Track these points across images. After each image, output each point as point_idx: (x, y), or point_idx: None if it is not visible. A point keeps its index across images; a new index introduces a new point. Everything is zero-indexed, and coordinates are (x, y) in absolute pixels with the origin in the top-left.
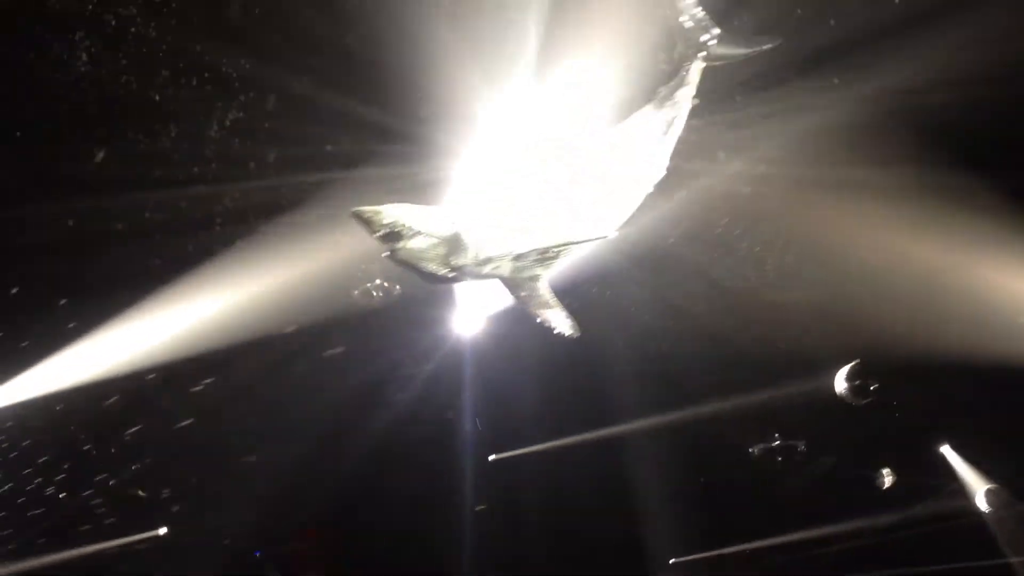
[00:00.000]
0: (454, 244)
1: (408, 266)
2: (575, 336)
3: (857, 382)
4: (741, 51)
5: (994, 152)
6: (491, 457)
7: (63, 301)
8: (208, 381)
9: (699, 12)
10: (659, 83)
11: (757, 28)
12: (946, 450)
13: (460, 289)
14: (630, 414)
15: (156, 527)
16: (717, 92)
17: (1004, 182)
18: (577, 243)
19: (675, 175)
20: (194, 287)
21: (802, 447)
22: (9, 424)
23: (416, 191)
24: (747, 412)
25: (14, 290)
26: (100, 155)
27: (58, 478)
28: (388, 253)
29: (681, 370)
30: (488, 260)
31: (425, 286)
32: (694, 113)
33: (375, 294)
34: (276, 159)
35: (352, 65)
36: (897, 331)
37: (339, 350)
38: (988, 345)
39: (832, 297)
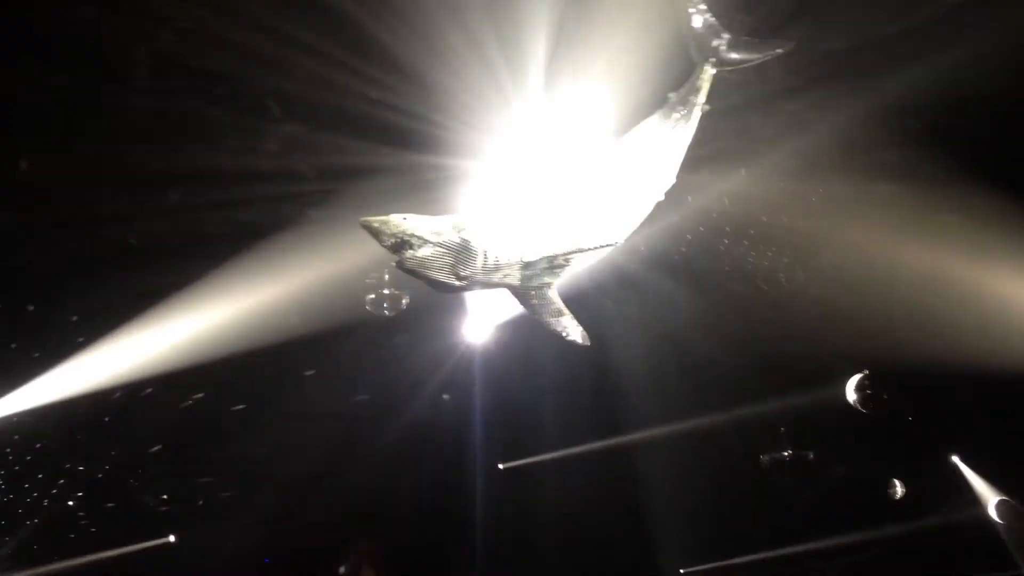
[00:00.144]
0: (462, 253)
1: (417, 275)
2: (586, 345)
3: (867, 392)
4: (752, 57)
5: (1008, 160)
6: (500, 465)
7: (74, 317)
8: (215, 389)
9: (710, 17)
10: (669, 89)
11: (768, 34)
12: (957, 461)
13: (470, 298)
14: (639, 423)
15: (164, 534)
16: (727, 99)
17: (1018, 190)
18: (586, 251)
19: (685, 182)
20: (202, 296)
21: (812, 456)
22: (17, 431)
23: (424, 200)
24: (758, 421)
25: (30, 307)
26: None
27: (67, 484)
28: (396, 262)
29: (691, 379)
30: (497, 269)
31: (434, 295)
32: (704, 119)
33: (385, 304)
34: (284, 167)
35: (363, 73)
36: (908, 341)
37: (362, 396)
38: (1000, 355)
39: (843, 306)
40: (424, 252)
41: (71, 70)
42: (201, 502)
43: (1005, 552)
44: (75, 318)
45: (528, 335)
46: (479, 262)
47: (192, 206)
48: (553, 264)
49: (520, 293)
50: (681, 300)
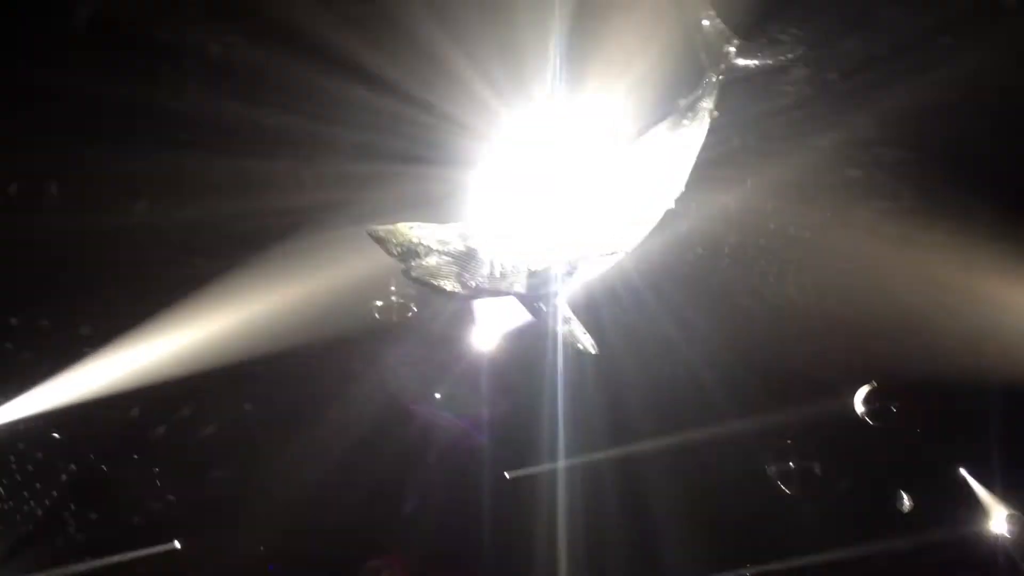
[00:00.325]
0: (469, 262)
1: (424, 284)
2: (594, 353)
3: (876, 403)
4: (762, 63)
5: (1018, 168)
6: (507, 474)
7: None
8: (222, 397)
9: (719, 24)
10: (679, 96)
11: (777, 39)
12: (965, 474)
13: (477, 306)
14: (646, 433)
15: (170, 540)
16: (737, 105)
17: None
18: (593, 259)
19: (695, 190)
20: (210, 302)
21: (818, 468)
22: (24, 436)
23: (432, 209)
24: (765, 432)
25: (45, 321)
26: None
27: (73, 490)
28: (403, 271)
29: (698, 389)
30: (503, 277)
31: (442, 303)
32: (714, 126)
33: (393, 311)
34: (293, 176)
35: (371, 82)
36: (917, 352)
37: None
38: (1010, 367)
39: (852, 317)
40: (431, 261)
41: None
42: (208, 509)
43: (1014, 566)
44: (83, 326)
45: (536, 343)
46: (486, 270)
47: (200, 213)
48: (560, 273)
49: (528, 301)
50: (689, 310)
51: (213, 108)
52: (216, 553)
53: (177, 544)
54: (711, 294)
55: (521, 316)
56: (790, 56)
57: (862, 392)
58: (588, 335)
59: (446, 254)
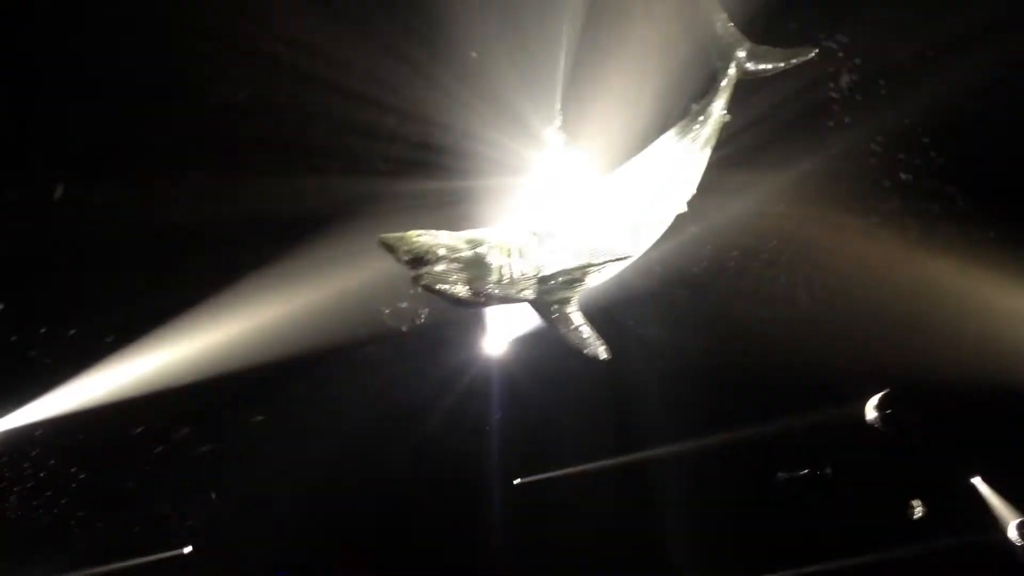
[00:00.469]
0: (478, 269)
1: (434, 291)
2: (606, 359)
3: (887, 411)
4: (774, 66)
5: None
6: (516, 481)
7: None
8: (233, 402)
9: (731, 27)
10: (692, 99)
11: (789, 42)
12: (977, 481)
13: (489, 312)
14: (658, 439)
15: (181, 546)
16: (749, 108)
17: None
18: (601, 264)
19: (706, 195)
20: (223, 310)
21: (829, 475)
22: (36, 442)
23: (441, 216)
24: (776, 439)
25: (72, 332)
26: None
27: (85, 495)
28: (413, 278)
29: (710, 395)
30: (513, 283)
31: (453, 310)
32: (726, 129)
33: (403, 318)
34: (304, 186)
35: (385, 93)
36: (928, 359)
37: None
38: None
39: (863, 324)
40: (440, 268)
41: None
42: (219, 514)
43: None
44: (92, 334)
45: (546, 349)
46: (495, 277)
47: (213, 223)
48: (570, 279)
49: (539, 307)
50: (701, 315)
51: (227, 121)
52: (226, 558)
53: (188, 549)
54: (722, 299)
55: (532, 322)
56: (801, 58)
57: (874, 399)
58: (600, 340)
59: (455, 261)
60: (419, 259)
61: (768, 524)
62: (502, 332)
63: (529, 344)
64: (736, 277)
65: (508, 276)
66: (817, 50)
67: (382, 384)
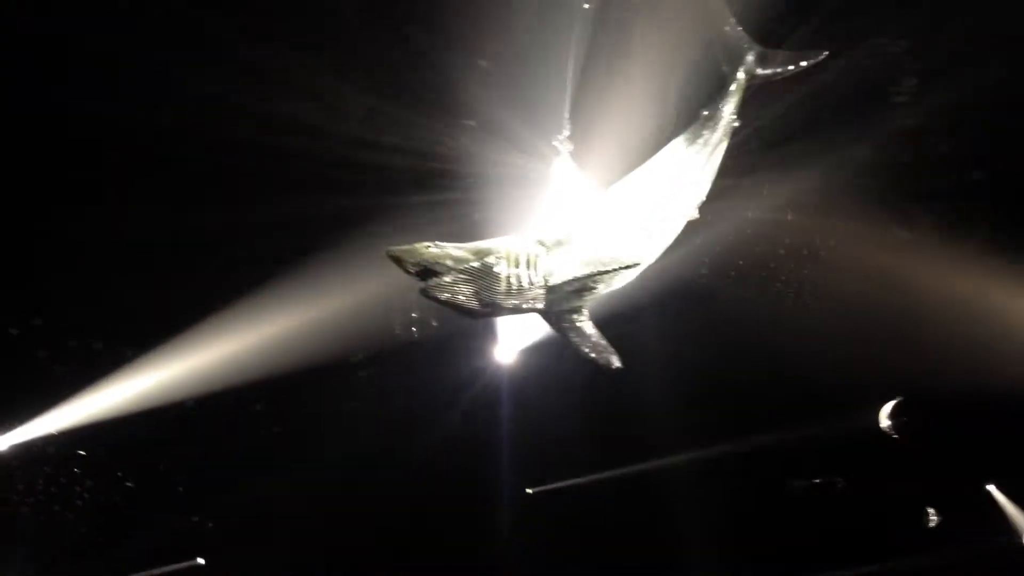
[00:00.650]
0: (486, 279)
1: (442, 302)
2: (618, 368)
3: (901, 418)
4: (784, 69)
5: None
6: (528, 490)
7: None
8: (244, 413)
9: (740, 30)
10: (702, 105)
11: (799, 45)
12: (993, 489)
13: (500, 323)
14: (670, 448)
15: (194, 557)
16: (758, 114)
17: None
18: (611, 272)
19: (716, 201)
20: (234, 322)
21: (842, 483)
22: (55, 452)
23: (449, 227)
24: (788, 447)
25: (99, 345)
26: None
27: (97, 505)
28: (421, 290)
29: (722, 403)
30: (522, 293)
31: (462, 321)
32: (735, 135)
33: (413, 328)
34: (312, 198)
35: (390, 104)
36: (942, 366)
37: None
38: None
39: (877, 331)
40: (448, 279)
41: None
42: (232, 525)
43: None
44: (104, 343)
45: (557, 358)
46: (503, 287)
47: (226, 232)
48: (580, 288)
49: (550, 317)
50: (712, 322)
51: (237, 133)
52: (240, 570)
53: (201, 560)
54: (734, 306)
55: (542, 331)
56: (811, 61)
57: (887, 407)
58: (611, 349)
59: (463, 272)
60: (427, 271)
61: (781, 533)
62: (512, 342)
63: (540, 353)
64: (747, 284)
65: (517, 286)
66: (827, 52)
67: (392, 396)
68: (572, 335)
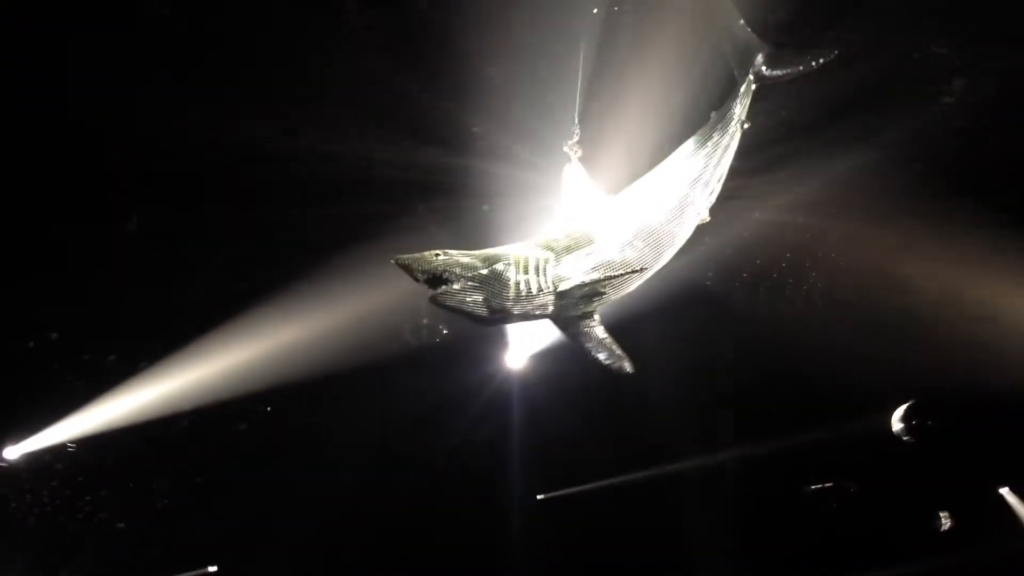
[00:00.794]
0: (495, 286)
1: (452, 310)
2: (630, 373)
3: (914, 421)
4: (794, 70)
5: None
6: (539, 496)
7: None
8: (254, 422)
9: (749, 31)
10: (712, 106)
11: (809, 45)
12: (1005, 492)
13: (511, 328)
14: (682, 453)
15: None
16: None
17: None
18: (619, 276)
19: (727, 203)
20: (244, 330)
21: (855, 487)
22: (67, 459)
23: (458, 234)
24: (801, 451)
25: (112, 357)
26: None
27: (109, 513)
28: (431, 298)
29: (734, 407)
30: (531, 299)
31: (472, 327)
32: (745, 137)
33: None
34: (323, 208)
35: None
36: (955, 369)
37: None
38: None
39: (889, 335)
40: (457, 287)
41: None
42: (243, 533)
43: None
44: (114, 353)
45: (567, 363)
46: (512, 294)
47: (235, 246)
48: (590, 292)
49: (560, 322)
50: (723, 326)
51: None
52: None
53: (213, 568)
54: (745, 309)
55: (554, 337)
56: (820, 60)
57: (900, 410)
58: (624, 354)
59: (472, 279)
60: (437, 278)
61: (794, 538)
62: (523, 347)
63: (551, 359)
64: (758, 286)
65: (526, 292)
66: (838, 52)
67: (403, 402)
68: (584, 340)
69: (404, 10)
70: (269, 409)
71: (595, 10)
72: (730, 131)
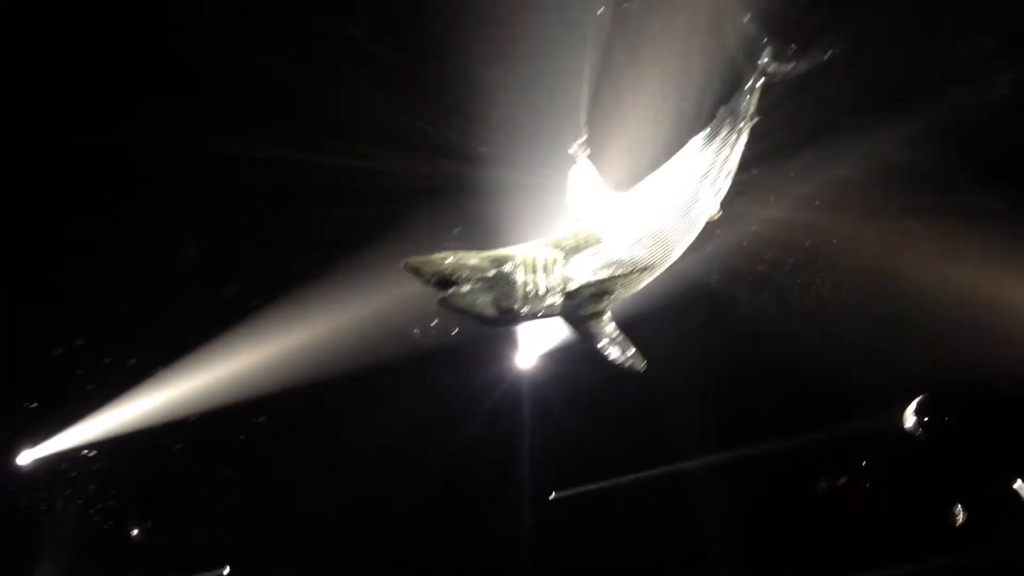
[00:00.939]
0: (505, 286)
1: (461, 312)
2: (641, 371)
3: (926, 416)
4: (799, 65)
5: None
6: (552, 495)
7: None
8: (266, 424)
9: (756, 26)
10: (719, 103)
11: (817, 40)
12: (1019, 486)
13: (521, 329)
14: (695, 450)
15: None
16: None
17: None
18: (630, 275)
19: (735, 200)
20: (256, 333)
21: (868, 483)
22: (80, 463)
23: (466, 236)
24: (812, 448)
25: (108, 360)
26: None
27: (122, 516)
28: (440, 301)
29: (746, 404)
30: (541, 299)
31: (483, 328)
32: (753, 133)
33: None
34: (331, 210)
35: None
36: (966, 364)
37: None
38: None
39: (900, 330)
40: (466, 288)
41: None
42: (256, 535)
43: None
44: (132, 357)
45: (579, 362)
46: (521, 294)
47: (244, 248)
48: (600, 291)
49: (571, 321)
50: (734, 323)
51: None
52: None
53: (227, 570)
54: (756, 306)
55: (566, 336)
56: (828, 54)
57: (912, 405)
58: (636, 352)
59: (481, 280)
60: (446, 281)
61: (806, 535)
62: (534, 347)
63: (562, 358)
64: (769, 282)
65: (535, 292)
66: (845, 47)
67: (413, 405)
68: (595, 339)
69: (410, 13)
70: (280, 412)
71: (600, 10)
72: (739, 126)
